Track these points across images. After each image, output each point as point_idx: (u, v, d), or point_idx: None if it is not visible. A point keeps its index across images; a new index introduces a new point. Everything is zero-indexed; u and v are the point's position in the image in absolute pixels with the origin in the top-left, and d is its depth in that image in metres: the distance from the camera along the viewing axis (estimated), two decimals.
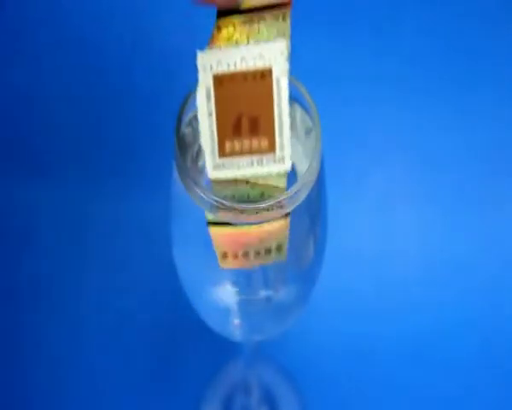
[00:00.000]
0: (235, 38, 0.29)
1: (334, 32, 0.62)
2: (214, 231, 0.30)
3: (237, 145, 0.29)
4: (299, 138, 0.34)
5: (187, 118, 0.33)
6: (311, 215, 0.33)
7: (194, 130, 0.33)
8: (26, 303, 0.57)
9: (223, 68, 0.28)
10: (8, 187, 0.60)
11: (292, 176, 0.34)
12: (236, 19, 0.29)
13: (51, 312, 0.57)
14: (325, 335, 0.57)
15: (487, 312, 0.57)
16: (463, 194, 0.60)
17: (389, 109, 0.61)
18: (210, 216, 0.30)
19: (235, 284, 0.34)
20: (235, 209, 0.29)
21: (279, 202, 0.29)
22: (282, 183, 0.30)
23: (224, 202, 0.29)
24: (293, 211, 0.31)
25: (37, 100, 0.61)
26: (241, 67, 0.28)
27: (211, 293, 0.36)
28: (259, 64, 0.28)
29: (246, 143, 0.29)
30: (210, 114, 0.29)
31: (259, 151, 0.29)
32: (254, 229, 0.30)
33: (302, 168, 0.34)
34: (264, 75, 0.28)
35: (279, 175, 0.29)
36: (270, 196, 0.30)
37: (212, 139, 0.29)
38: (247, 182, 0.30)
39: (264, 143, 0.29)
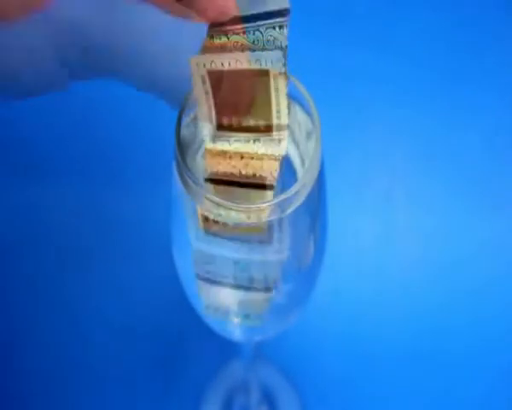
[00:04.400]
0: (228, 47, 0.28)
1: (335, 33, 0.62)
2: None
3: (235, 121, 0.29)
4: (300, 139, 0.34)
5: (187, 118, 0.33)
6: (312, 215, 0.33)
7: (194, 130, 0.33)
8: (25, 303, 0.57)
9: (217, 67, 0.28)
10: (8, 187, 0.60)
11: (292, 176, 0.34)
12: (230, 27, 0.28)
13: (51, 311, 0.57)
14: (325, 335, 0.57)
15: (487, 312, 0.57)
16: (464, 194, 0.60)
17: (389, 109, 0.61)
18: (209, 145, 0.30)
19: (235, 284, 0.34)
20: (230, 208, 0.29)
21: (279, 202, 0.29)
22: (276, 166, 0.30)
23: (223, 201, 0.29)
24: (294, 211, 0.31)
25: (38, 100, 0.61)
26: (236, 67, 0.28)
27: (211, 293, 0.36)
28: (255, 66, 0.28)
29: (243, 120, 0.29)
30: (206, 93, 0.29)
31: (257, 131, 0.29)
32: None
33: (303, 168, 0.34)
34: (261, 73, 0.28)
35: (274, 158, 0.29)
36: (261, 177, 0.30)
37: (210, 113, 0.29)
38: (242, 157, 0.30)
39: (262, 123, 0.29)
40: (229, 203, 0.29)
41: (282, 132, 0.29)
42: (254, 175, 0.30)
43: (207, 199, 0.30)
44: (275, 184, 0.30)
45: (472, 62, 0.62)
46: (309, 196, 0.31)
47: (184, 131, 0.33)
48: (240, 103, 0.29)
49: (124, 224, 0.59)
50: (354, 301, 0.57)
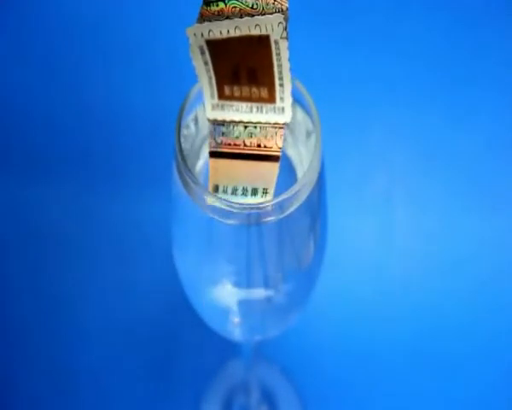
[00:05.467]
0: (226, 13, 0.27)
1: (335, 33, 0.62)
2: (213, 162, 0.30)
3: (236, 91, 0.28)
4: (300, 139, 0.34)
5: (187, 118, 0.33)
6: (312, 215, 0.33)
7: (194, 130, 0.33)
8: (25, 302, 0.57)
9: (215, 36, 0.27)
10: (8, 187, 0.60)
11: (292, 176, 0.34)
12: None
13: (51, 311, 0.57)
14: (325, 335, 0.57)
15: (488, 312, 0.57)
16: (464, 194, 0.60)
17: (389, 110, 0.61)
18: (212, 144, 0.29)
19: (235, 283, 0.34)
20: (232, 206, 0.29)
21: (279, 202, 0.29)
22: (281, 134, 0.29)
23: (224, 200, 0.29)
24: (294, 211, 0.31)
25: (38, 99, 0.61)
26: (236, 33, 0.27)
27: (211, 293, 0.36)
28: (255, 32, 0.27)
29: (245, 89, 0.28)
30: (206, 64, 0.28)
31: (259, 100, 0.28)
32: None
33: (302, 169, 0.34)
34: (262, 39, 0.27)
35: (279, 126, 0.29)
36: (266, 147, 0.29)
37: (211, 83, 0.28)
38: (246, 127, 0.29)
39: (264, 92, 0.28)
40: (230, 202, 0.29)
41: (285, 100, 0.28)
42: (259, 145, 0.29)
43: (207, 196, 0.29)
44: (280, 154, 0.29)
45: (472, 63, 0.62)
46: (309, 196, 0.31)
47: (184, 131, 0.33)
48: (241, 72, 0.28)
49: (124, 224, 0.59)
50: (354, 301, 0.57)
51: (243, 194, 0.29)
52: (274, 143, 0.29)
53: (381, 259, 0.58)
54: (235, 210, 0.29)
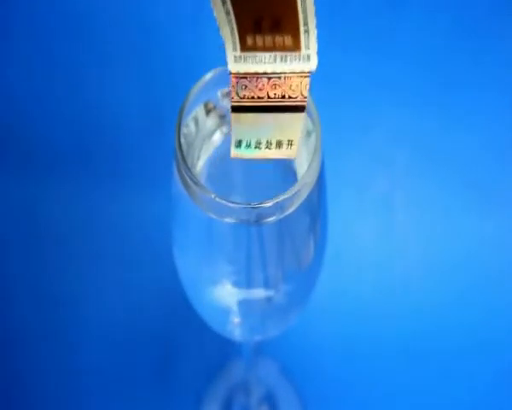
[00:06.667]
0: None
1: (335, 33, 0.62)
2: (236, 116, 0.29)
3: (259, 40, 0.27)
4: (300, 139, 0.34)
5: (187, 118, 0.33)
6: (312, 215, 0.33)
7: (195, 129, 0.33)
8: (24, 302, 0.57)
9: None
10: (8, 187, 0.60)
11: (292, 176, 0.34)
12: None
13: (50, 311, 0.57)
14: (325, 335, 0.57)
15: (488, 313, 0.57)
16: (463, 195, 0.60)
17: (389, 110, 0.61)
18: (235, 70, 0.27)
19: (235, 283, 0.34)
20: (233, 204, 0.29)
21: (279, 202, 0.29)
22: (306, 83, 0.28)
23: (225, 202, 0.29)
24: (294, 211, 0.31)
25: (38, 99, 0.61)
26: None
27: (211, 293, 0.36)
28: None
29: (268, 39, 0.27)
30: (227, 13, 0.27)
31: (283, 48, 0.27)
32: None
33: (302, 169, 0.34)
34: None
35: (304, 75, 0.28)
36: (291, 98, 0.28)
37: (233, 34, 0.27)
38: (269, 78, 0.27)
39: (288, 40, 0.27)
40: (231, 205, 0.29)
41: (311, 46, 0.27)
42: (283, 96, 0.28)
43: (206, 194, 0.29)
44: (306, 104, 0.28)
45: (472, 64, 0.62)
46: (309, 196, 0.31)
47: (185, 131, 0.33)
48: (264, 20, 0.27)
49: (124, 223, 0.59)
50: (354, 301, 0.57)
51: (267, 147, 0.29)
52: (299, 93, 0.28)
53: (381, 259, 0.58)
54: (235, 209, 0.29)
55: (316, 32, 0.27)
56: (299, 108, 0.28)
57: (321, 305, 0.56)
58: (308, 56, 0.27)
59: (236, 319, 0.37)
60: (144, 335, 0.57)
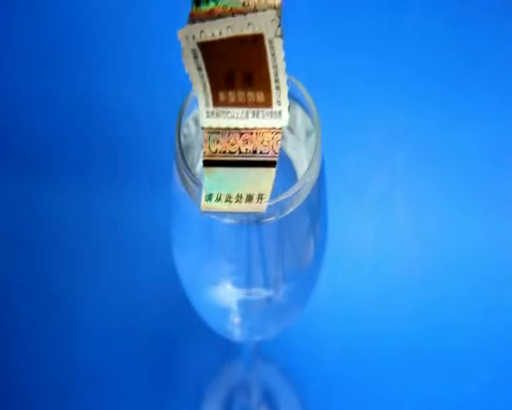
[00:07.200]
0: (217, 13, 0.26)
1: (335, 33, 0.62)
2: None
3: (232, 96, 0.27)
4: (300, 139, 0.34)
5: (188, 118, 0.33)
6: (312, 215, 0.33)
7: (195, 129, 0.33)
8: (23, 301, 0.57)
9: (207, 37, 0.26)
10: (8, 187, 0.60)
11: (292, 176, 0.34)
12: None
13: (50, 311, 0.57)
14: (325, 335, 0.57)
15: (488, 312, 0.57)
16: (463, 194, 0.60)
17: (389, 110, 0.61)
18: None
19: (235, 283, 0.34)
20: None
21: (278, 202, 0.29)
22: (278, 139, 0.28)
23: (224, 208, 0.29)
24: (294, 211, 0.31)
25: (37, 99, 0.61)
26: (228, 34, 0.26)
27: (211, 293, 0.36)
28: (248, 31, 0.26)
29: (240, 94, 0.27)
30: (199, 69, 0.27)
31: (255, 104, 0.27)
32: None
33: (302, 169, 0.34)
34: (255, 39, 0.26)
35: (275, 131, 0.28)
36: (262, 153, 0.28)
37: (205, 90, 0.27)
38: (241, 134, 0.28)
39: (260, 96, 0.27)
40: (228, 211, 0.29)
41: (282, 103, 0.27)
42: (255, 151, 0.28)
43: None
44: (277, 160, 0.28)
45: (472, 65, 0.62)
46: (309, 196, 0.31)
47: (185, 131, 0.33)
48: (236, 76, 0.27)
49: (123, 223, 0.59)
50: (354, 301, 0.57)
51: (237, 201, 0.29)
52: (270, 148, 0.28)
53: (381, 258, 0.58)
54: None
55: (287, 88, 0.27)
56: (270, 164, 0.28)
57: (321, 305, 0.56)
58: (279, 113, 0.27)
59: (236, 319, 0.37)
60: (144, 335, 0.57)
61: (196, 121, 0.33)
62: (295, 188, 0.30)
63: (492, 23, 0.62)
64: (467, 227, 0.59)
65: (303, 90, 0.31)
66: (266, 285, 0.35)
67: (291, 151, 0.34)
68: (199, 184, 0.30)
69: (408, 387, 0.55)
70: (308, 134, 0.33)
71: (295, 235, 0.33)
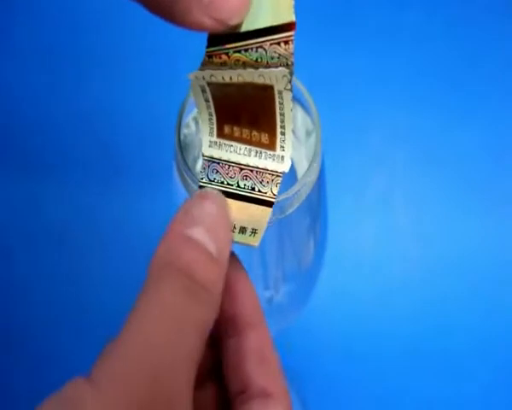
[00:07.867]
0: (229, 64, 0.26)
1: (335, 33, 0.62)
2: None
3: (236, 131, 0.27)
4: (300, 139, 0.34)
5: (188, 118, 0.33)
6: (312, 215, 0.33)
7: (195, 129, 0.33)
8: (23, 301, 0.57)
9: (217, 80, 0.26)
10: (8, 187, 0.60)
11: (292, 176, 0.34)
12: (230, 45, 0.26)
13: (49, 311, 0.57)
14: (325, 335, 0.57)
15: (488, 312, 0.57)
16: (463, 194, 0.60)
17: (389, 110, 0.61)
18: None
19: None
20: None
21: (278, 202, 0.29)
22: (277, 182, 0.28)
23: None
24: (294, 211, 0.31)
25: (37, 99, 0.61)
26: (238, 81, 0.26)
27: None
28: (259, 81, 0.26)
29: (246, 131, 0.27)
30: (207, 101, 0.27)
31: (259, 144, 0.27)
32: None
33: (302, 169, 0.34)
34: (265, 87, 0.26)
35: (276, 174, 0.28)
36: (260, 192, 0.28)
37: (211, 120, 0.27)
38: (241, 169, 0.28)
39: (265, 138, 0.27)
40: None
41: (286, 149, 0.27)
42: (253, 189, 0.28)
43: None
44: (275, 201, 0.28)
45: (472, 65, 0.62)
46: (309, 196, 0.31)
47: (185, 131, 0.33)
48: (242, 114, 0.27)
49: (123, 223, 0.59)
50: (354, 301, 0.57)
51: (231, 230, 0.28)
52: (269, 190, 0.28)
53: (381, 258, 0.58)
54: None
55: (291, 136, 0.27)
56: (267, 203, 0.28)
57: (321, 305, 0.56)
58: (282, 157, 0.27)
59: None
60: None
61: (196, 121, 0.33)
62: (295, 188, 0.30)
63: (492, 23, 0.62)
64: (467, 227, 0.59)
65: (303, 90, 0.31)
66: (266, 285, 0.35)
67: (291, 151, 0.34)
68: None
69: (408, 387, 0.55)
70: (308, 134, 0.33)
71: (295, 235, 0.33)
